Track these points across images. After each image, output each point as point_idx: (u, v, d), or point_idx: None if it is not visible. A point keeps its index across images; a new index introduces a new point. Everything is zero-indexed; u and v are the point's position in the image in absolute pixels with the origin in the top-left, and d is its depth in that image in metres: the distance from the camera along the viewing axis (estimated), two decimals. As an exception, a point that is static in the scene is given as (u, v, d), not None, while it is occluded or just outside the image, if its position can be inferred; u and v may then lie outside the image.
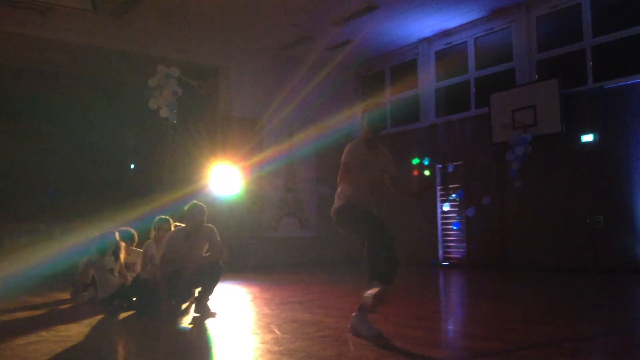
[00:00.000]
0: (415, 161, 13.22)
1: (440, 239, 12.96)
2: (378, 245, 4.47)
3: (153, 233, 6.80)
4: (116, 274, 6.99)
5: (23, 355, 4.07)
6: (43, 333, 5.01)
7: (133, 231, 7.57)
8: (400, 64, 14.44)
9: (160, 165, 15.62)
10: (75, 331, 5.12)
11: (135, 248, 7.54)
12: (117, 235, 7.09)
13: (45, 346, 4.41)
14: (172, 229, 6.71)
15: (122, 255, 7.07)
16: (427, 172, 13.08)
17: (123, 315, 6.17)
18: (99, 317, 6.03)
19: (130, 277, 7.11)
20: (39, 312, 6.68)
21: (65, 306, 7.13)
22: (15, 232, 12.71)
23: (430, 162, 13.06)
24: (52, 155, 15.06)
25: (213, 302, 6.19)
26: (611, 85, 10.26)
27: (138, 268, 7.09)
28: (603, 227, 10.19)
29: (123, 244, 7.14)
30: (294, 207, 14.14)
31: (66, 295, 7.88)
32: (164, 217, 6.96)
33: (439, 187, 12.99)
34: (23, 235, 12.67)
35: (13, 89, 13.84)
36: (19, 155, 14.61)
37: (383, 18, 12.01)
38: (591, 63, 10.67)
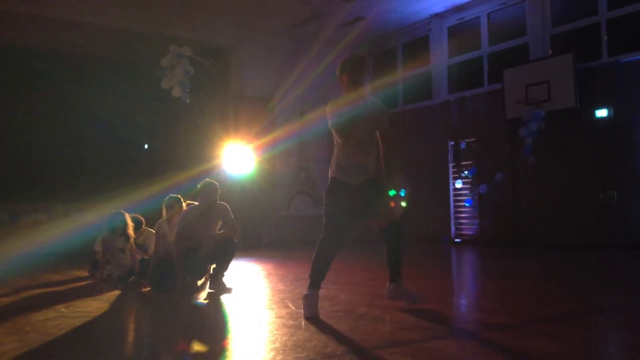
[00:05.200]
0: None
1: (452, 215, 12.95)
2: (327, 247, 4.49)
3: (164, 212, 6.79)
4: (127, 253, 6.99)
5: (43, 331, 4.14)
6: (62, 309, 5.09)
7: (139, 217, 7.52)
8: (412, 40, 14.32)
9: (174, 145, 15.70)
10: (94, 307, 5.20)
11: (147, 228, 7.55)
12: (126, 215, 7.06)
13: (65, 322, 4.48)
14: (184, 207, 6.73)
15: (132, 235, 7.03)
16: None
17: (140, 291, 6.26)
18: (116, 293, 6.12)
19: (142, 257, 7.10)
20: (57, 288, 6.78)
21: (83, 283, 7.24)
22: (32, 211, 12.83)
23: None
24: (67, 135, 15.18)
25: (228, 278, 6.27)
26: (626, 59, 10.14)
27: (151, 248, 7.00)
28: (617, 203, 10.15)
29: (132, 224, 7.10)
30: (307, 185, 14.18)
31: (84, 273, 7.99)
32: (174, 195, 6.86)
33: (451, 164, 12.97)
34: (40, 214, 12.79)
35: (28, 70, 13.91)
36: (35, 136, 14.75)
37: (395, -7, 11.91)
38: (606, 37, 10.54)
